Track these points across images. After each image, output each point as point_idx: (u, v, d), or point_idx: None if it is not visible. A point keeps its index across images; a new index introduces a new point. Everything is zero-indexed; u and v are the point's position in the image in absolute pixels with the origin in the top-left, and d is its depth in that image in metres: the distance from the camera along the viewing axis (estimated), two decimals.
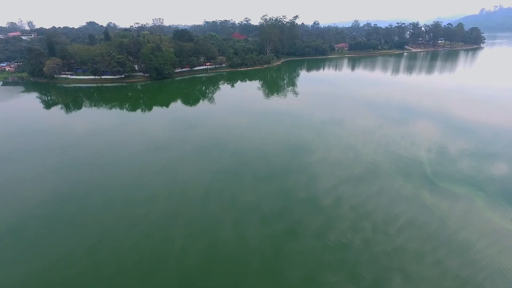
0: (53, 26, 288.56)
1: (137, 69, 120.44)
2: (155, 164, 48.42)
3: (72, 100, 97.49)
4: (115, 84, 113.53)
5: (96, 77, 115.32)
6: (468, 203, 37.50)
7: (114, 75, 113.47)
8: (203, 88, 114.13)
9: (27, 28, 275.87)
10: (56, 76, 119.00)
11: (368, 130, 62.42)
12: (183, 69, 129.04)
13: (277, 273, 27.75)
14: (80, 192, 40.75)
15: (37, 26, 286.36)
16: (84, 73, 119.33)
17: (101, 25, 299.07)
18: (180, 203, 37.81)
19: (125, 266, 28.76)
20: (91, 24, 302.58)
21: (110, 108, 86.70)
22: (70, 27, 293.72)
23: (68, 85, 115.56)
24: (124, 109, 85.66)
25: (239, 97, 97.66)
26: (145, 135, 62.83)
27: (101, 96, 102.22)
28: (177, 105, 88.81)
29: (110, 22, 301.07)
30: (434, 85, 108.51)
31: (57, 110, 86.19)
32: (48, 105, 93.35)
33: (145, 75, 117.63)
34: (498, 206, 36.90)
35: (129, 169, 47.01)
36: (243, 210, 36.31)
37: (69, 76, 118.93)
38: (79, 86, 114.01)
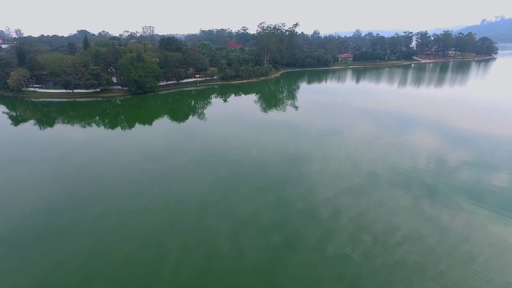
0: (42, 35, 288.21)
1: (115, 82, 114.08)
2: (150, 174, 49.73)
3: (38, 117, 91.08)
4: (89, 99, 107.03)
5: (68, 90, 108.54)
6: (469, 214, 38.34)
7: (88, 89, 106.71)
8: (190, 103, 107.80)
9: (14, 36, 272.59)
10: (23, 89, 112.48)
11: (367, 140, 64.57)
12: (168, 82, 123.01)
13: (275, 287, 28.42)
14: (74, 202, 41.74)
15: (26, 34, 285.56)
16: (55, 86, 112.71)
17: (93, 34, 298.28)
18: (176, 214, 38.82)
19: (119, 278, 29.37)
20: (82, 32, 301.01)
21: (84, 126, 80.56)
22: (60, 35, 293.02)
23: (36, 100, 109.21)
24: (93, 128, 78.46)
25: (230, 115, 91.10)
26: (133, 149, 59.63)
27: (70, 113, 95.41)
28: (156, 126, 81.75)
29: (103, 31, 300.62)
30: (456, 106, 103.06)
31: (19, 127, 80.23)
32: (16, 121, 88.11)
33: (124, 88, 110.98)
34: (499, 217, 37.63)
35: (125, 179, 48.27)
36: (240, 221, 37.24)
37: (37, 90, 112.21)
38: (48, 101, 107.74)
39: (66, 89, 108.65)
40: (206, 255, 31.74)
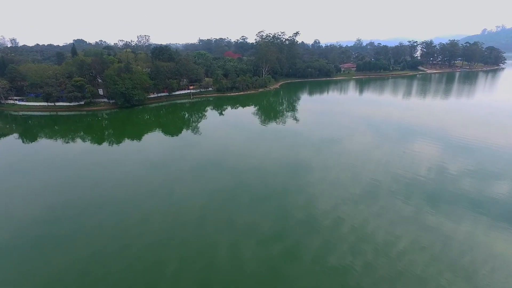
0: (37, 44, 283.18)
1: (102, 94, 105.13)
2: (149, 183, 48.95)
3: (26, 131, 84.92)
4: (72, 113, 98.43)
5: (49, 103, 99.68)
6: (471, 225, 37.45)
7: (70, 102, 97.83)
8: (183, 117, 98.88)
9: (9, 45, 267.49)
10: (2, 101, 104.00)
11: (367, 149, 63.51)
12: (160, 94, 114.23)
13: None
14: (72, 212, 40.87)
15: (21, 43, 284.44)
16: (36, 99, 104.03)
17: (90, 43, 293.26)
18: (175, 224, 38.16)
19: None
20: (78, 41, 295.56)
21: (72, 140, 75.07)
22: (55, 44, 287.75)
23: (16, 113, 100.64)
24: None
25: (227, 126, 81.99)
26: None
27: (55, 127, 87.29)
28: (149, 140, 72.93)
29: (100, 40, 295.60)
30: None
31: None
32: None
33: (110, 101, 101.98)
34: (503, 227, 36.72)
35: (123, 189, 47.49)
36: (239, 231, 36.54)
37: (17, 102, 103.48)
38: (29, 115, 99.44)
39: (47, 101, 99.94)
40: (205, 265, 31.13)
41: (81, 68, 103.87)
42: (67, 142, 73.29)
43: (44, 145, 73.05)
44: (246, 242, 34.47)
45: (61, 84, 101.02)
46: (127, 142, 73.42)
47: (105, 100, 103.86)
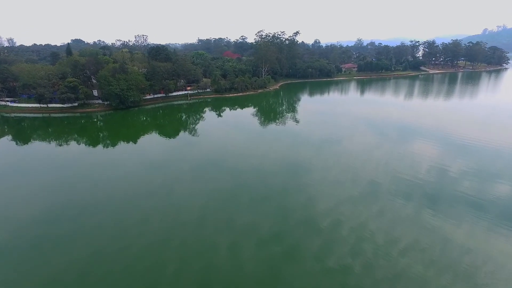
0: (34, 44, 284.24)
1: (96, 95, 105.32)
2: (149, 184, 49.93)
3: (25, 132, 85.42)
4: (65, 115, 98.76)
5: (42, 105, 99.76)
6: (471, 225, 38.08)
7: (63, 103, 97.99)
8: (180, 118, 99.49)
9: (6, 45, 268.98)
10: None
11: (367, 150, 64.56)
12: (156, 95, 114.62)
13: None
14: (72, 212, 41.60)
15: (19, 43, 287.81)
16: (29, 100, 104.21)
17: (88, 43, 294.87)
18: (175, 224, 38.91)
19: None
20: (76, 41, 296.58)
21: (64, 144, 74.51)
22: (53, 44, 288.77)
23: (8, 115, 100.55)
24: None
25: (227, 128, 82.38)
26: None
27: (49, 129, 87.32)
28: (146, 142, 73.25)
29: (98, 40, 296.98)
30: None
31: None
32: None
33: (105, 103, 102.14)
34: (503, 229, 37.21)
35: (123, 189, 48.48)
36: (239, 232, 37.12)
37: (8, 104, 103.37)
38: (22, 116, 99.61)
39: (39, 103, 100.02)
40: (205, 265, 31.66)
41: (75, 69, 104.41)
42: (64, 144, 73.93)
43: (42, 146, 73.84)
44: (246, 242, 35.02)
45: (54, 85, 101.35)
46: (125, 143, 74.24)
47: (100, 101, 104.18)
